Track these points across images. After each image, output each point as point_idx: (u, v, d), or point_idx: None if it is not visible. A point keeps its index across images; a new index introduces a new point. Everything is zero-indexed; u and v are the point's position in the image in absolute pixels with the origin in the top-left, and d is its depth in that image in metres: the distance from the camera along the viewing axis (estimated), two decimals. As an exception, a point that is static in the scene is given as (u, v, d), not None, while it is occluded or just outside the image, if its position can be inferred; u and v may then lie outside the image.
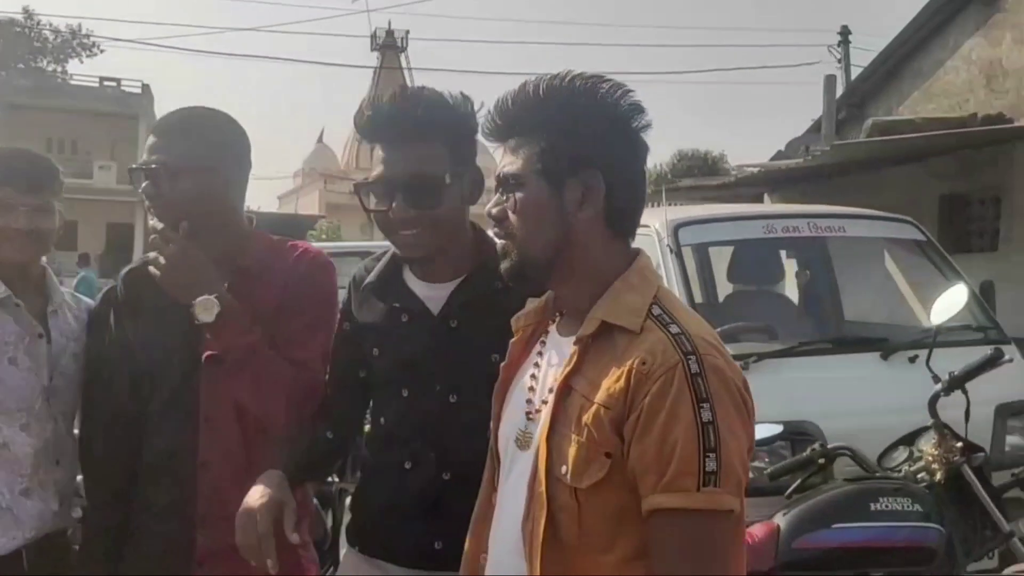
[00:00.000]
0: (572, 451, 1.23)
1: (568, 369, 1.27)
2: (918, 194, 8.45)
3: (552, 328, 1.41)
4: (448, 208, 1.67)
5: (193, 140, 1.82)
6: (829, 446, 2.78)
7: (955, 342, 3.37)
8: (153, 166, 1.80)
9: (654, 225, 3.62)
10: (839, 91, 13.24)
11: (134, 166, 1.87)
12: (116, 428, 1.90)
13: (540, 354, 1.40)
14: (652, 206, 3.72)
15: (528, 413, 1.35)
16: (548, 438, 1.27)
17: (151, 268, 1.79)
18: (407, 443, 1.71)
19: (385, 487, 1.76)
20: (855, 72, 17.92)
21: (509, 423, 1.40)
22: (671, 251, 3.54)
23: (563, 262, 1.31)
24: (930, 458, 2.64)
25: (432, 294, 1.73)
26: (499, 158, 1.36)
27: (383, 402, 1.78)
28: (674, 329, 1.22)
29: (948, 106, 10.09)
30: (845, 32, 17.47)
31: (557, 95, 1.29)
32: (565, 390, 1.27)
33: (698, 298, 3.69)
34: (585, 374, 1.26)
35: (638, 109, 1.31)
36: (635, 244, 1.38)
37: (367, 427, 1.94)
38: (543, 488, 1.26)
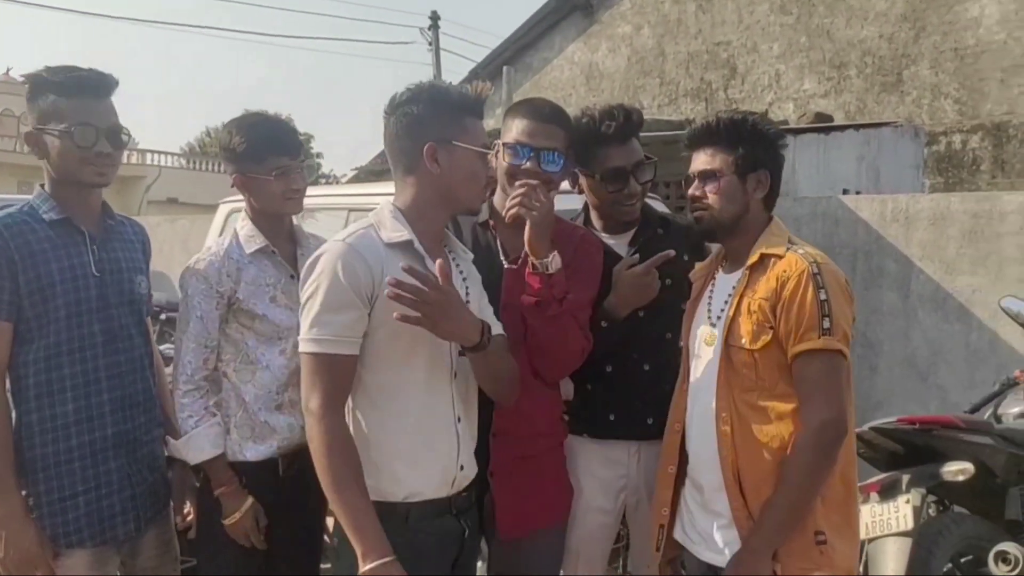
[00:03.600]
0: (748, 328, 2.02)
1: (743, 286, 2.08)
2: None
3: (719, 272, 2.22)
4: None
5: (567, 129, 2.23)
6: None
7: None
8: (551, 150, 2.16)
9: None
10: (431, 72, 14.67)
11: (526, 144, 2.16)
12: None
13: (711, 289, 2.21)
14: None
15: (711, 322, 2.15)
16: (730, 324, 2.06)
17: (520, 211, 2.06)
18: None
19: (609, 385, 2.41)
20: (444, 56, 19.75)
21: (698, 331, 2.19)
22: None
23: (738, 224, 2.12)
24: None
25: (614, 242, 2.45)
26: (698, 158, 2.15)
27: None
28: (801, 251, 2.04)
29: (554, 98, 12.09)
30: (435, 17, 19.04)
31: (743, 124, 2.13)
32: (740, 298, 2.06)
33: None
34: (751, 286, 2.06)
35: (782, 135, 2.23)
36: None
37: None
38: (725, 356, 2.06)
